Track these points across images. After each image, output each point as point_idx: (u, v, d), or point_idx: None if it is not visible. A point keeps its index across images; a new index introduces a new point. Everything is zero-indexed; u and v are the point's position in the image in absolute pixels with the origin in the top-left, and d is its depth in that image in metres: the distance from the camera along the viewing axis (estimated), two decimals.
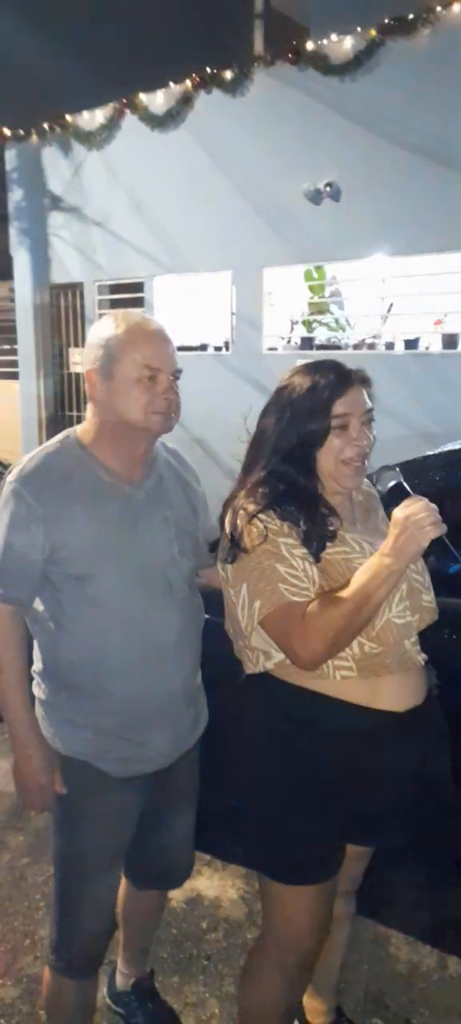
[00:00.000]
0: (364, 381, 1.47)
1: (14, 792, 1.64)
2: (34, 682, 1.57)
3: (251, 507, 1.39)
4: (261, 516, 1.38)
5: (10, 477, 1.46)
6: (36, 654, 1.56)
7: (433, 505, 1.32)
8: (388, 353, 6.09)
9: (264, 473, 1.44)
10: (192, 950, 2.18)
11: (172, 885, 1.88)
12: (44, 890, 2.35)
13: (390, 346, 6.16)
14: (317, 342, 6.78)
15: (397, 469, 1.43)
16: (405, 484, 1.39)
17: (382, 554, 1.31)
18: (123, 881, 1.84)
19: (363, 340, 6.49)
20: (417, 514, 1.28)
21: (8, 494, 1.44)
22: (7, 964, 2.10)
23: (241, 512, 1.40)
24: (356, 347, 6.47)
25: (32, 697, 1.56)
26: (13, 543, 1.42)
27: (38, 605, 1.50)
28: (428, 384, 5.69)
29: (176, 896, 2.36)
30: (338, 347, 6.66)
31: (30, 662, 1.57)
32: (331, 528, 1.40)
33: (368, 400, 1.47)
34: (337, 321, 7.02)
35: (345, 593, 1.32)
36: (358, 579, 1.33)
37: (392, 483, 1.40)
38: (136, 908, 1.84)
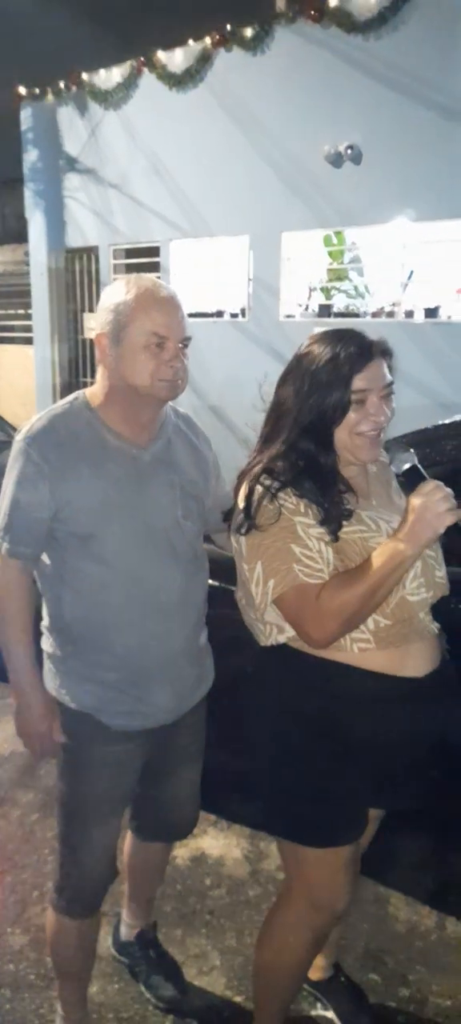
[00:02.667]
0: (385, 353, 1.44)
1: (24, 752, 1.68)
2: (42, 636, 1.60)
3: (268, 483, 1.39)
4: (278, 493, 1.37)
5: (19, 436, 1.48)
6: (45, 609, 1.59)
7: (449, 490, 1.30)
8: (408, 321, 5.99)
9: (284, 448, 1.42)
10: (196, 905, 2.23)
11: (175, 838, 1.92)
12: (53, 845, 2.39)
13: (410, 314, 6.05)
14: (335, 309, 6.69)
15: (412, 451, 1.40)
16: (420, 466, 1.36)
17: (397, 539, 1.31)
18: (128, 834, 1.88)
19: (382, 308, 6.38)
20: (434, 500, 1.28)
21: (16, 452, 1.47)
22: (16, 914, 2.17)
23: (258, 487, 1.39)
24: (375, 315, 6.37)
25: (40, 652, 1.59)
26: (20, 500, 1.45)
27: (45, 560, 1.53)
28: (448, 353, 5.60)
29: (181, 854, 2.41)
30: (356, 315, 6.57)
31: (39, 617, 1.60)
32: (348, 507, 1.40)
33: (388, 374, 1.43)
34: (356, 288, 6.91)
35: (360, 575, 1.33)
36: (373, 562, 1.32)
37: (407, 465, 1.36)
38: (141, 860, 1.88)
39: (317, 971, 1.87)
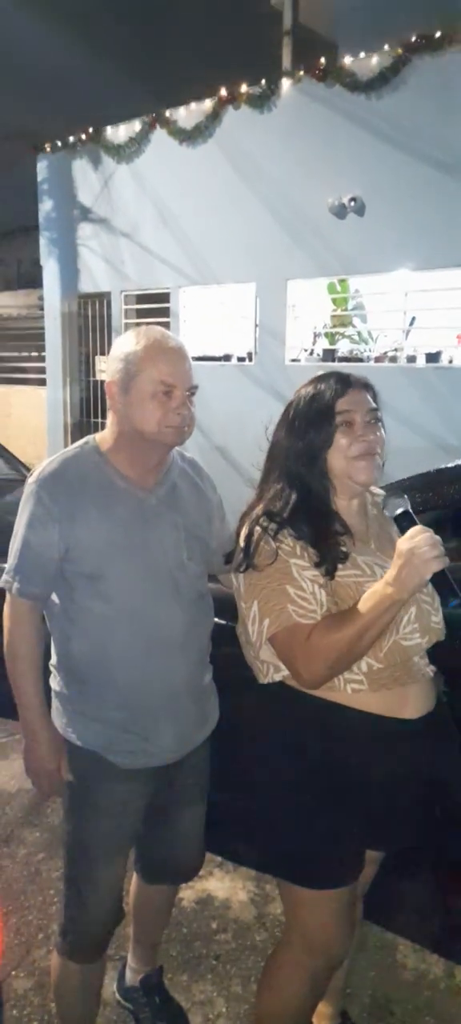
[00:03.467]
0: (365, 386, 1.52)
1: (31, 789, 1.70)
2: (51, 675, 1.64)
3: (266, 524, 1.44)
4: (276, 535, 1.42)
5: (31, 479, 1.55)
6: (53, 648, 1.63)
7: (437, 537, 1.33)
8: (410, 366, 6.09)
9: (279, 485, 1.48)
10: (201, 950, 2.21)
11: (180, 880, 1.92)
12: (58, 886, 2.39)
13: (412, 359, 6.16)
14: (339, 354, 6.81)
15: (405, 496, 1.44)
16: (412, 512, 1.40)
17: (386, 583, 1.34)
18: (134, 877, 1.89)
19: (385, 353, 6.50)
20: (421, 546, 1.30)
21: (28, 495, 1.53)
22: (21, 956, 2.16)
23: (257, 528, 1.45)
24: (378, 360, 6.48)
25: (49, 690, 1.63)
26: (31, 541, 1.51)
27: (53, 600, 1.57)
28: (449, 397, 5.68)
29: (187, 896, 2.40)
30: (360, 359, 6.68)
31: (48, 656, 1.64)
32: (343, 549, 1.44)
33: (372, 401, 1.51)
34: (359, 334, 7.04)
35: (348, 618, 1.36)
36: (361, 606, 1.36)
37: (400, 510, 1.41)
38: (146, 903, 1.88)
39: (324, 1020, 1.85)
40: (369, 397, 1.50)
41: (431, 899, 2.35)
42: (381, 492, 1.61)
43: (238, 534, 1.52)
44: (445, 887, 2.33)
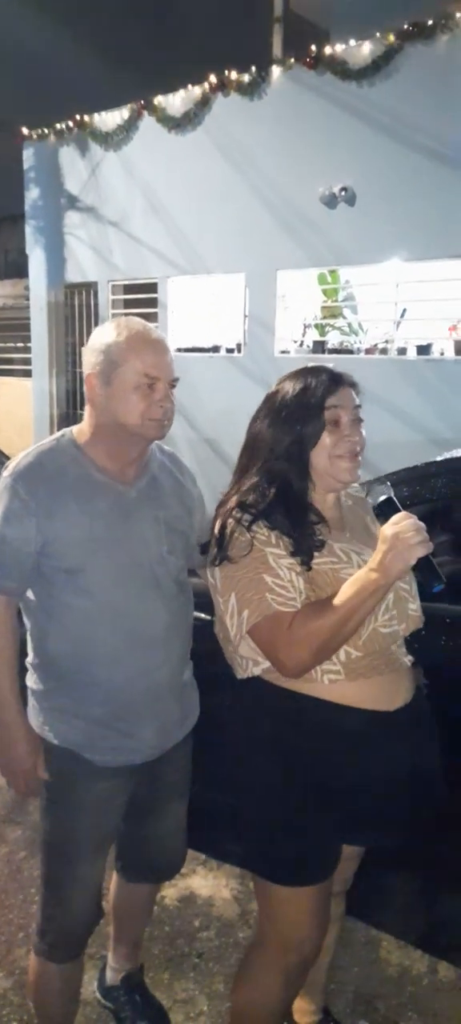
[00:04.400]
0: (352, 384, 1.51)
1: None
2: (27, 673, 1.60)
3: (239, 515, 1.41)
4: (249, 526, 1.39)
5: (6, 473, 1.50)
6: (30, 645, 1.59)
7: (421, 523, 1.33)
8: (400, 358, 6.07)
9: (256, 478, 1.45)
10: (184, 947, 2.19)
11: (161, 878, 1.90)
12: (39, 884, 2.37)
13: (402, 351, 6.14)
14: (329, 346, 6.77)
15: (388, 483, 1.45)
16: (395, 499, 1.40)
17: (370, 569, 1.33)
18: (114, 875, 1.86)
19: (375, 345, 6.47)
20: (405, 532, 1.30)
21: (3, 488, 1.49)
22: (1, 955, 2.12)
23: (230, 520, 1.42)
24: (368, 351, 6.45)
25: (25, 688, 1.59)
26: (6, 536, 1.46)
27: (30, 596, 1.53)
28: (441, 389, 5.67)
29: (170, 894, 2.37)
30: (350, 351, 6.65)
31: (25, 653, 1.60)
32: (319, 538, 1.42)
33: (357, 399, 1.49)
34: (350, 325, 7.01)
35: (331, 605, 1.34)
36: (345, 592, 1.34)
37: (383, 497, 1.40)
38: (126, 902, 1.85)
39: (305, 1015, 1.84)
40: (354, 395, 1.49)
41: (415, 895, 2.34)
42: (356, 485, 1.59)
43: (213, 527, 1.49)
44: (428, 882, 2.32)
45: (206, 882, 2.45)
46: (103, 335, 1.49)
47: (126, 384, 1.45)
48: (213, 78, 6.64)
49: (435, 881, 2.31)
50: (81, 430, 1.55)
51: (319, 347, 6.68)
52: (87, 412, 1.54)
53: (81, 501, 1.48)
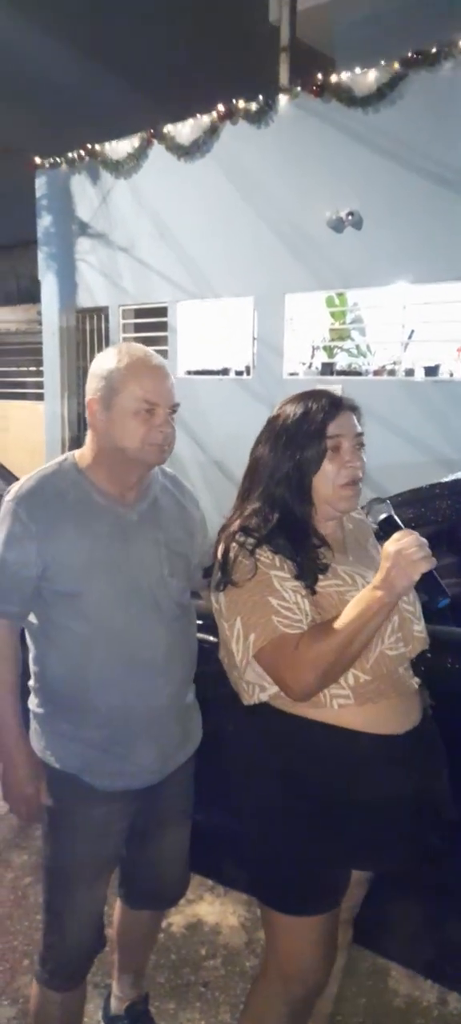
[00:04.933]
0: (353, 408, 1.50)
1: None
2: (29, 696, 1.60)
3: (243, 539, 1.41)
4: (253, 550, 1.39)
5: (8, 496, 1.52)
6: (31, 668, 1.59)
7: (424, 539, 1.33)
8: (408, 380, 6.07)
9: (259, 503, 1.45)
10: (190, 976, 2.16)
11: (164, 905, 1.88)
12: None
13: (410, 372, 6.15)
14: (338, 367, 6.79)
15: (387, 501, 1.44)
16: (395, 516, 1.40)
17: (374, 587, 1.33)
18: (118, 903, 1.85)
19: (383, 366, 6.48)
20: (408, 548, 1.30)
21: (4, 512, 1.50)
22: (5, 983, 2.11)
23: (233, 545, 1.42)
24: (376, 373, 6.47)
25: (27, 711, 1.60)
26: (8, 559, 1.48)
27: (31, 620, 1.55)
28: (448, 411, 5.65)
29: (176, 921, 2.35)
30: (359, 373, 6.67)
31: (27, 676, 1.61)
32: (323, 561, 1.42)
33: (358, 425, 1.49)
34: (358, 347, 7.04)
35: (337, 625, 1.34)
36: (350, 612, 1.34)
37: (383, 516, 1.41)
38: (130, 929, 1.84)
39: None
40: (355, 420, 1.48)
41: (425, 923, 2.30)
42: (360, 508, 1.59)
43: (216, 550, 1.49)
44: (438, 909, 2.28)
45: (213, 909, 2.42)
46: (104, 361, 1.51)
47: (126, 410, 1.46)
48: (221, 107, 6.75)
49: (445, 909, 2.27)
50: (83, 454, 1.57)
51: (327, 369, 6.70)
52: (89, 437, 1.56)
53: (81, 525, 1.49)
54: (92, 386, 1.51)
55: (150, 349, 1.56)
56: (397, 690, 1.43)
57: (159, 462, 1.54)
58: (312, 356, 7.13)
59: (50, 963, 1.59)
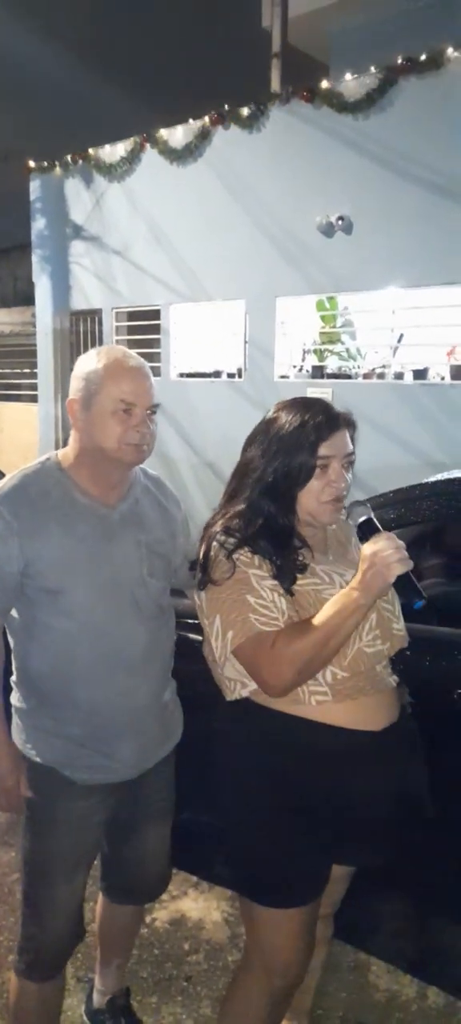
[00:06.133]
0: (349, 424, 1.51)
1: None
2: (12, 691, 1.63)
3: (223, 539, 1.44)
4: (233, 550, 1.42)
5: None
6: (13, 663, 1.62)
7: (401, 542, 1.36)
8: (397, 383, 6.12)
9: (243, 506, 1.48)
10: (172, 971, 2.19)
11: (145, 899, 1.90)
12: None
13: (399, 376, 6.19)
14: (328, 371, 6.84)
15: (367, 504, 1.47)
16: (374, 519, 1.43)
17: (351, 588, 1.36)
18: (100, 897, 1.87)
19: (373, 370, 6.53)
20: (385, 550, 1.33)
21: None
22: None
23: (214, 544, 1.45)
24: (366, 376, 6.51)
25: (9, 706, 1.62)
26: None
27: (14, 615, 1.57)
28: (437, 414, 5.70)
29: (160, 916, 2.38)
30: (349, 376, 6.71)
31: (10, 672, 1.63)
32: (302, 561, 1.45)
33: (351, 444, 1.51)
34: (348, 351, 7.07)
35: (314, 623, 1.37)
36: (327, 611, 1.37)
37: (362, 518, 1.43)
38: (111, 923, 1.87)
39: None
40: (348, 438, 1.49)
41: (406, 919, 2.34)
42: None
43: (199, 548, 1.52)
44: (419, 906, 2.32)
45: (197, 904, 2.45)
46: (85, 363, 1.54)
47: (104, 410, 1.49)
48: (214, 112, 6.79)
49: (426, 905, 2.30)
50: (66, 454, 1.60)
51: (318, 372, 6.74)
52: (72, 437, 1.59)
53: (63, 523, 1.51)
54: (73, 387, 1.55)
55: (130, 350, 1.59)
56: (375, 687, 1.45)
57: (137, 462, 1.57)
58: (303, 359, 7.17)
59: (26, 954, 1.62)
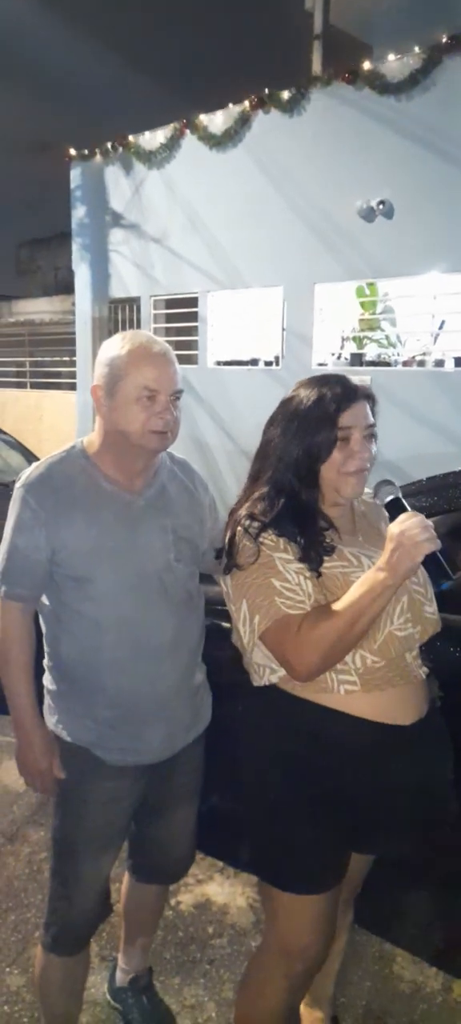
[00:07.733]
0: (368, 397, 1.49)
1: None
2: (44, 673, 1.66)
3: (248, 523, 1.43)
4: (257, 534, 1.41)
5: (18, 483, 1.56)
6: (45, 647, 1.64)
7: (429, 521, 1.32)
8: (438, 370, 5.98)
9: (266, 488, 1.46)
10: (196, 953, 2.20)
11: (170, 879, 1.92)
12: None
13: (440, 363, 6.05)
14: (367, 358, 6.73)
15: (395, 483, 1.44)
16: (402, 498, 1.40)
17: (377, 569, 1.33)
18: (126, 876, 1.90)
19: (413, 357, 6.40)
20: (412, 529, 1.29)
21: (15, 499, 1.54)
22: (17, 953, 2.18)
23: (239, 529, 1.44)
24: (406, 363, 6.39)
25: (42, 688, 1.65)
26: (18, 544, 1.52)
27: (44, 601, 1.59)
28: None
29: (185, 900, 2.39)
30: (388, 364, 6.59)
31: (42, 654, 1.66)
32: (329, 543, 1.42)
33: (371, 415, 1.48)
34: (388, 338, 6.95)
35: (340, 606, 1.34)
36: (353, 593, 1.34)
37: (390, 497, 1.40)
38: (136, 902, 1.88)
39: None
40: (368, 410, 1.47)
41: (431, 911, 2.29)
42: (369, 491, 1.59)
43: (224, 534, 1.51)
44: (447, 898, 2.27)
45: (222, 889, 2.46)
46: (109, 349, 1.54)
47: (127, 396, 1.48)
48: (253, 96, 6.72)
49: (453, 898, 2.26)
50: (91, 441, 1.60)
51: (357, 359, 6.64)
52: (96, 424, 1.59)
53: (89, 511, 1.52)
54: (97, 372, 1.55)
55: (155, 336, 1.58)
56: (405, 678, 1.42)
57: (161, 448, 1.57)
58: (341, 346, 7.08)
59: (53, 928, 1.65)
